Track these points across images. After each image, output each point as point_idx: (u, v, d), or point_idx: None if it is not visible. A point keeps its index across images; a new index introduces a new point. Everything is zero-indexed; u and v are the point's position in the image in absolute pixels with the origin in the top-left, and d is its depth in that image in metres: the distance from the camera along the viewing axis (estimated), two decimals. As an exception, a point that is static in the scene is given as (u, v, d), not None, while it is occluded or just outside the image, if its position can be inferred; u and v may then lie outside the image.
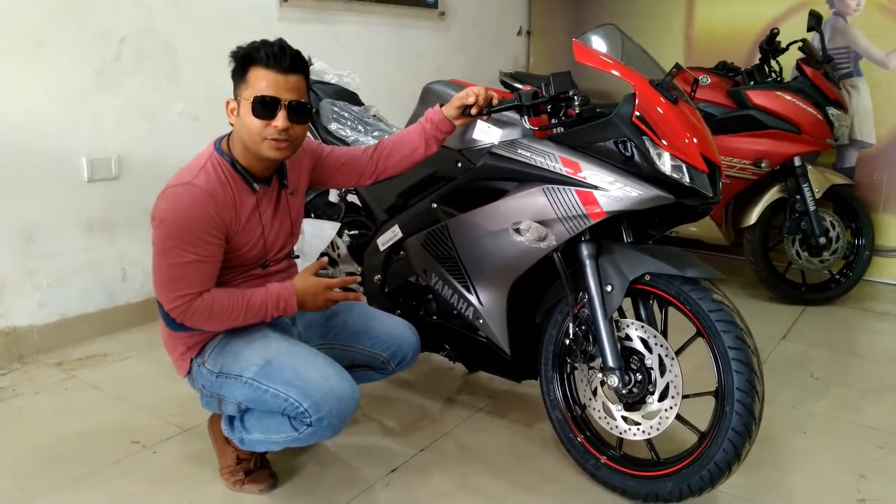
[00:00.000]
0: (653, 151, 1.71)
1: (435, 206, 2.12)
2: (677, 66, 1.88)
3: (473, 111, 1.86)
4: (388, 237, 2.28)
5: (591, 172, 1.75)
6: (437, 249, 2.09)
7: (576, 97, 1.83)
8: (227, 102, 1.65)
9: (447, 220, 2.05)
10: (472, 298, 2.04)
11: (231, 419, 1.78)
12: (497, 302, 2.01)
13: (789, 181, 3.36)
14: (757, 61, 3.51)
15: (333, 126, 2.46)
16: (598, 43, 1.92)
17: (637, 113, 1.72)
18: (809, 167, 3.35)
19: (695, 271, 1.72)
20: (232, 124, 1.66)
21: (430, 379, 2.57)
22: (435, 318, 2.20)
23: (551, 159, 1.80)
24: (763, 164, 3.31)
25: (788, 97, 3.26)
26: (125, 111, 2.83)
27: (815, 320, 3.29)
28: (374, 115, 2.63)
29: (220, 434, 1.87)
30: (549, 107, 1.86)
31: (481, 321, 2.05)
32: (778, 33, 3.39)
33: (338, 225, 2.46)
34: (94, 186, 2.80)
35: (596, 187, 1.74)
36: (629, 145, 1.72)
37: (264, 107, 1.57)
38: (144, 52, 2.87)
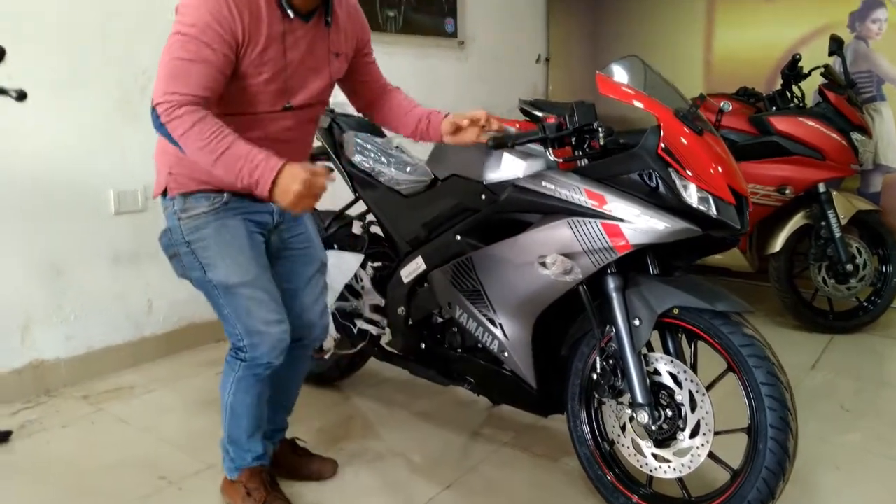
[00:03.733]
0: (679, 183, 1.70)
1: (459, 238, 2.12)
2: (701, 96, 1.88)
3: (468, 137, 1.87)
4: (412, 269, 2.28)
5: (616, 205, 1.75)
6: (461, 282, 2.09)
7: (600, 129, 1.83)
8: None
9: (472, 252, 2.05)
10: (497, 331, 2.03)
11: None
12: (522, 335, 1.99)
13: (814, 207, 3.32)
14: (778, 87, 3.49)
15: (357, 158, 2.48)
16: (621, 74, 1.93)
17: (662, 145, 1.72)
18: (834, 193, 3.31)
19: (725, 305, 1.70)
20: None
21: (454, 411, 2.55)
22: (459, 351, 2.19)
23: (576, 191, 1.80)
24: (787, 191, 3.27)
25: (811, 123, 3.23)
26: (151, 143, 2.84)
27: (843, 349, 3.23)
28: (397, 147, 2.64)
29: (227, 484, 1.94)
30: (574, 139, 1.87)
31: (506, 354, 2.03)
32: (800, 59, 3.38)
33: (361, 257, 2.46)
34: (120, 219, 2.83)
35: (622, 220, 1.73)
36: (655, 177, 1.72)
37: None
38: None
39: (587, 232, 1.77)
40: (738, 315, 1.71)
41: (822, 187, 3.27)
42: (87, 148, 2.70)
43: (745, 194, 1.77)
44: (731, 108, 3.39)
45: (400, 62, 3.86)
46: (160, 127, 1.53)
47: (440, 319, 2.23)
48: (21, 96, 1.19)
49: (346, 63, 1.83)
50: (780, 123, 3.26)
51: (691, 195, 1.70)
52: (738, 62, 4.11)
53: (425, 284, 2.26)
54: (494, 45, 4.55)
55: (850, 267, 3.30)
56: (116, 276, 2.86)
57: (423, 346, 2.28)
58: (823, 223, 3.29)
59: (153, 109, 1.52)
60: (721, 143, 1.83)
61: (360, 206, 2.54)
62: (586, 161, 1.84)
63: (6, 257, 2.55)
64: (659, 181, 1.71)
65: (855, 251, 3.34)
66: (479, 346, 2.10)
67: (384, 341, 2.48)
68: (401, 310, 2.32)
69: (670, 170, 1.70)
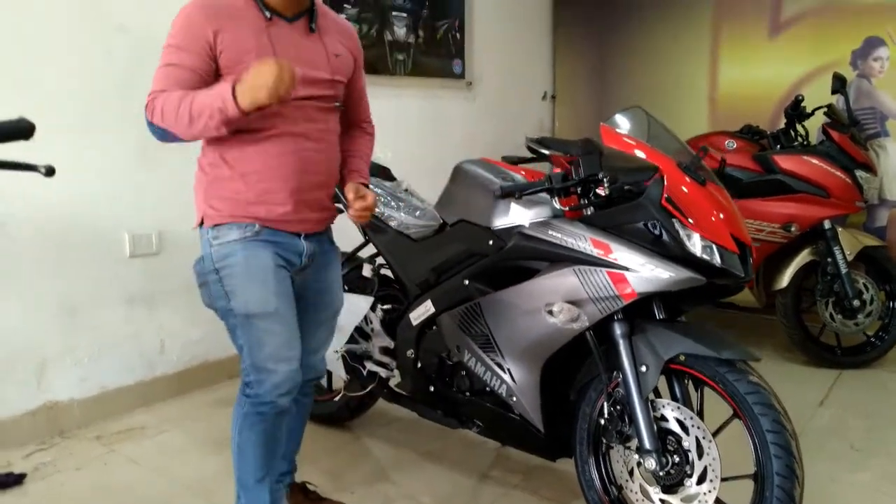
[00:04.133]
0: (682, 233, 1.74)
1: (467, 282, 2.15)
2: (704, 149, 1.92)
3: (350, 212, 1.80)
4: (421, 312, 2.31)
5: (621, 254, 1.78)
6: (469, 326, 2.12)
7: (605, 179, 1.87)
8: None
9: (480, 297, 2.08)
10: (506, 376, 2.06)
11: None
12: (530, 379, 2.02)
13: (820, 244, 3.34)
14: (782, 125, 3.54)
15: (366, 202, 2.52)
16: (625, 125, 1.98)
17: (666, 195, 1.76)
18: (840, 229, 3.33)
19: (730, 352, 1.72)
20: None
21: (462, 452, 2.56)
22: (468, 394, 2.22)
23: (582, 240, 1.83)
24: (792, 228, 3.30)
25: (815, 161, 3.27)
26: (165, 187, 2.93)
27: (852, 385, 3.23)
28: (406, 190, 2.69)
29: None
30: (579, 188, 1.91)
31: (514, 398, 2.05)
32: (802, 99, 3.43)
33: (371, 299, 2.50)
34: (135, 262, 2.89)
35: (627, 269, 1.77)
36: (659, 227, 1.75)
37: None
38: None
39: (593, 280, 1.80)
40: (743, 363, 1.74)
41: (827, 224, 3.30)
42: (102, 192, 2.77)
43: (748, 243, 1.80)
44: (735, 146, 3.46)
45: (409, 104, 3.94)
46: (154, 130, 1.62)
47: (449, 362, 2.26)
48: (49, 172, 1.24)
49: (349, 68, 1.84)
50: (785, 162, 3.30)
51: (695, 245, 1.74)
52: (742, 99, 4.17)
53: (434, 327, 2.29)
54: (501, 84, 4.63)
55: (857, 302, 3.31)
56: (130, 317, 2.91)
57: (431, 388, 2.31)
58: (830, 259, 3.32)
59: (146, 121, 1.62)
60: (723, 192, 1.87)
61: (371, 249, 2.58)
62: (592, 209, 1.88)
63: (22, 299, 2.60)
64: (663, 231, 1.75)
65: (862, 286, 3.35)
66: (488, 389, 2.13)
67: (393, 383, 2.50)
68: (410, 352, 2.35)
69: (674, 220, 1.74)
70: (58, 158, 2.58)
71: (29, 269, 2.61)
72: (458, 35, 4.15)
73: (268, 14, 1.66)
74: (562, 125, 5.03)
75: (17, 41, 2.53)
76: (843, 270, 3.28)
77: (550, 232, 1.89)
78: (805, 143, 3.48)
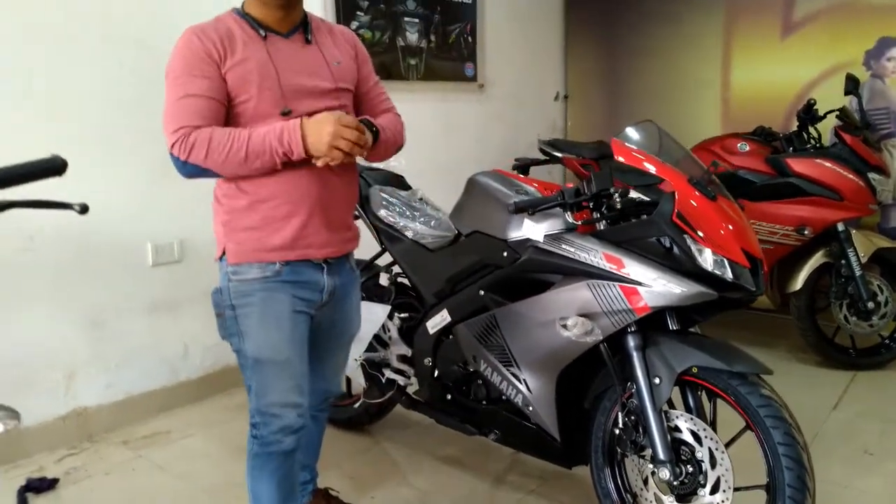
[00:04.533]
0: (694, 248, 1.77)
1: (482, 293, 2.20)
2: (714, 164, 1.95)
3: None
4: (438, 321, 2.36)
5: (634, 269, 1.82)
6: (485, 338, 2.16)
7: (616, 194, 1.90)
8: None
9: (495, 308, 2.13)
10: (521, 386, 2.10)
11: None
12: (546, 389, 2.06)
13: (834, 246, 3.35)
14: (795, 128, 3.54)
15: (383, 213, 2.57)
16: (637, 139, 2.01)
17: (677, 211, 1.79)
18: (853, 231, 3.34)
19: (742, 366, 1.76)
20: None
21: (480, 456, 2.61)
22: (484, 403, 2.26)
23: (595, 255, 1.87)
24: (806, 231, 3.32)
25: (828, 164, 3.28)
26: (185, 196, 2.99)
27: (867, 387, 3.25)
28: (421, 199, 2.73)
29: None
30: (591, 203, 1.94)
31: (531, 408, 2.10)
32: (814, 103, 3.43)
33: (388, 308, 2.55)
34: (157, 270, 2.96)
35: (640, 283, 1.80)
36: (670, 242, 1.79)
37: None
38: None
39: (606, 294, 1.84)
40: (755, 375, 1.77)
41: (840, 226, 3.31)
42: (126, 205, 2.84)
43: (760, 257, 1.83)
44: (747, 148, 3.47)
45: (422, 107, 3.98)
46: (184, 167, 1.58)
47: (465, 371, 2.31)
48: (83, 210, 1.29)
49: (353, 73, 1.81)
50: (797, 165, 3.32)
51: (706, 259, 1.77)
52: (754, 100, 4.17)
53: (450, 336, 2.34)
54: (513, 86, 4.65)
55: (871, 304, 3.32)
56: (154, 324, 2.98)
57: (448, 396, 2.36)
58: (843, 261, 3.33)
59: (172, 156, 1.58)
60: (734, 206, 1.90)
61: (388, 258, 2.63)
62: (605, 223, 1.92)
63: (52, 310, 2.68)
64: (675, 246, 1.78)
65: (876, 288, 3.36)
66: (504, 398, 2.17)
67: (411, 390, 2.56)
68: (427, 360, 2.40)
69: (685, 236, 1.77)
70: (83, 173, 2.67)
71: (56, 281, 2.68)
72: (469, 38, 4.18)
73: (262, 32, 1.65)
74: (574, 125, 5.05)
75: (44, 61, 2.60)
76: (858, 273, 3.29)
77: (564, 246, 1.93)
78: (818, 145, 3.48)
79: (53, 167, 1.23)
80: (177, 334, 3.07)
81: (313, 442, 2.11)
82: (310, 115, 1.61)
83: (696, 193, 1.84)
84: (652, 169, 1.91)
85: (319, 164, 1.59)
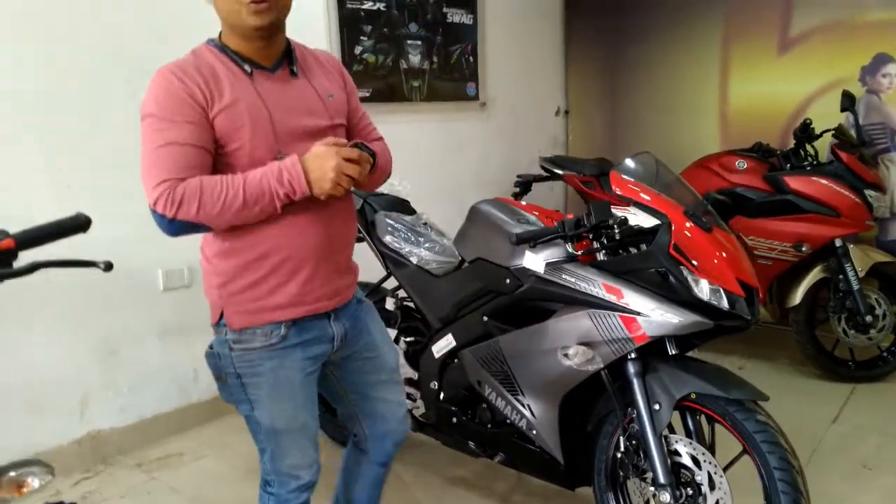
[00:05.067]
0: (690, 279, 1.83)
1: (486, 319, 2.26)
2: (708, 194, 2.00)
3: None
4: (443, 345, 2.42)
5: (633, 299, 1.88)
6: (489, 364, 2.22)
7: (615, 225, 1.96)
8: None
9: (499, 335, 2.19)
10: (525, 411, 2.16)
11: None
12: (549, 414, 2.12)
13: (831, 261, 3.40)
14: (792, 145, 3.60)
15: (388, 238, 2.63)
16: (634, 170, 2.07)
17: (674, 242, 1.85)
18: (851, 246, 3.39)
19: (739, 392, 1.82)
20: (216, 8, 1.47)
21: (485, 477, 2.67)
22: (489, 426, 2.32)
23: (595, 286, 1.93)
24: (804, 248, 3.37)
25: (825, 182, 3.34)
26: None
27: (866, 400, 3.29)
28: (425, 223, 2.79)
29: None
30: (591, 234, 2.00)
31: (534, 432, 2.16)
32: (811, 123, 3.49)
33: (395, 331, 2.61)
34: (168, 295, 3.03)
35: (639, 313, 1.87)
36: (668, 273, 1.85)
37: None
38: (213, 168, 3.13)
39: (606, 324, 1.90)
40: (752, 402, 1.83)
41: (838, 242, 3.36)
42: (137, 233, 2.88)
43: (755, 286, 1.89)
44: (745, 166, 3.53)
45: (425, 127, 4.06)
46: (170, 225, 1.42)
47: (470, 395, 2.36)
48: (108, 267, 1.35)
49: (345, 106, 1.67)
50: (795, 182, 3.37)
51: (703, 290, 1.83)
52: (752, 115, 4.23)
53: (456, 360, 2.40)
54: (515, 103, 4.72)
55: (869, 318, 3.37)
56: (165, 347, 3.05)
57: (454, 420, 2.42)
58: (841, 276, 3.38)
59: (154, 214, 1.42)
60: (729, 236, 1.96)
61: (394, 281, 2.69)
62: (604, 253, 1.97)
63: (67, 337, 2.75)
64: (672, 277, 1.84)
65: (874, 302, 3.41)
66: (508, 422, 2.23)
67: (417, 413, 2.61)
68: (433, 384, 2.46)
69: (682, 267, 1.83)
70: (95, 202, 2.75)
71: (70, 307, 2.75)
72: (471, 58, 4.25)
73: (248, 69, 1.49)
74: (575, 139, 5.11)
75: (54, 93, 2.67)
76: (855, 287, 3.35)
77: (565, 276, 1.99)
78: (815, 163, 3.54)
79: (78, 224, 1.29)
80: (187, 357, 3.13)
81: (374, 497, 1.96)
82: (301, 154, 1.47)
83: (692, 225, 1.90)
84: (652, 203, 1.97)
85: (322, 196, 1.46)
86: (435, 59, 4.01)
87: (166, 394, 3.08)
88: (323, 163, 1.41)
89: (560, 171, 4.08)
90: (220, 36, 1.53)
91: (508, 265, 2.19)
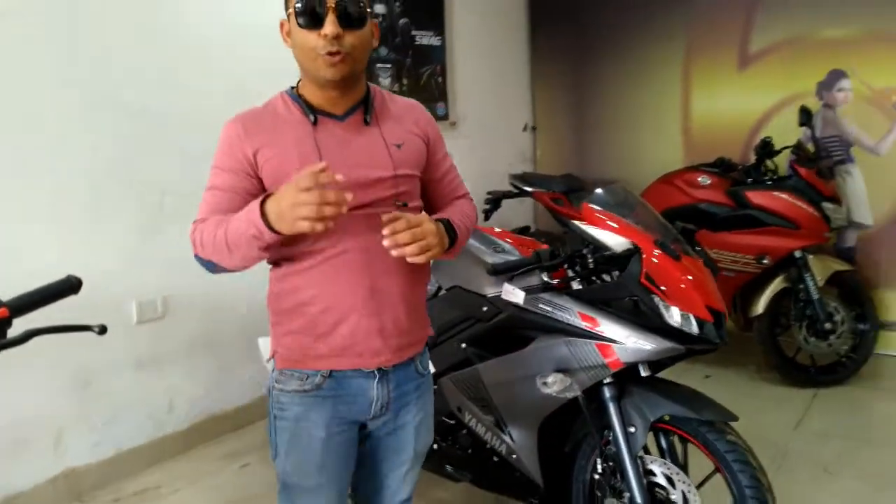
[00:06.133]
0: (662, 307, 1.90)
1: (464, 346, 2.30)
2: (677, 223, 2.08)
3: None
4: (422, 371, 2.45)
5: (608, 327, 1.94)
6: (469, 391, 2.26)
7: (588, 254, 2.02)
8: (281, 25, 1.47)
9: (478, 363, 2.23)
10: (505, 437, 2.21)
11: None
12: (529, 439, 2.17)
13: (792, 271, 3.53)
14: (753, 161, 3.72)
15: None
16: (605, 200, 2.13)
17: (645, 271, 1.92)
18: (811, 257, 3.52)
19: (710, 414, 1.89)
20: (295, 57, 1.46)
21: (465, 498, 2.70)
22: (470, 451, 2.36)
23: (571, 314, 1.99)
24: (766, 260, 3.49)
25: (785, 196, 3.46)
26: (168, 255, 3.06)
27: (827, 405, 3.41)
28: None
29: None
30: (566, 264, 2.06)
31: (514, 456, 2.21)
32: (770, 140, 3.62)
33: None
34: (142, 327, 3.01)
35: (614, 341, 1.93)
36: (640, 301, 1.91)
37: (309, 12, 1.36)
38: (184, 197, 3.12)
39: (583, 352, 1.96)
40: (722, 423, 1.90)
41: (798, 254, 3.49)
42: (111, 266, 2.88)
43: (722, 310, 1.96)
44: (709, 182, 3.64)
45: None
46: (197, 259, 1.47)
47: (451, 421, 2.40)
48: (102, 331, 1.36)
49: (420, 157, 1.57)
50: (756, 197, 3.49)
51: (673, 316, 1.90)
52: (714, 129, 4.35)
53: (435, 387, 2.43)
54: (484, 121, 4.78)
55: (829, 325, 3.51)
56: (139, 380, 3.02)
57: (434, 446, 2.44)
58: (802, 286, 3.51)
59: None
60: (698, 263, 2.03)
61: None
62: (579, 280, 2.03)
63: (39, 373, 2.71)
64: (643, 305, 1.91)
65: (833, 310, 3.55)
66: (489, 447, 2.28)
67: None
68: (413, 410, 2.49)
69: (653, 296, 1.90)
70: (69, 235, 2.73)
71: (44, 345, 2.68)
72: (440, 79, 4.30)
73: (312, 118, 1.45)
74: (543, 154, 5.19)
75: (32, 125, 2.66)
76: (815, 296, 3.48)
77: (541, 305, 2.05)
78: (775, 177, 3.66)
79: (69, 286, 1.30)
80: (162, 389, 3.11)
81: None
82: (356, 207, 1.38)
83: (662, 253, 1.96)
84: (624, 234, 2.02)
85: (291, 233, 1.30)
86: (405, 80, 4.05)
87: (141, 426, 3.05)
88: (279, 202, 1.27)
89: (529, 189, 4.15)
90: (297, 85, 1.52)
91: (485, 293, 2.24)
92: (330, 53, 1.36)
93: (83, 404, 2.85)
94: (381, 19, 3.83)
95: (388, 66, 3.91)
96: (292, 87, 1.51)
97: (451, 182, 1.71)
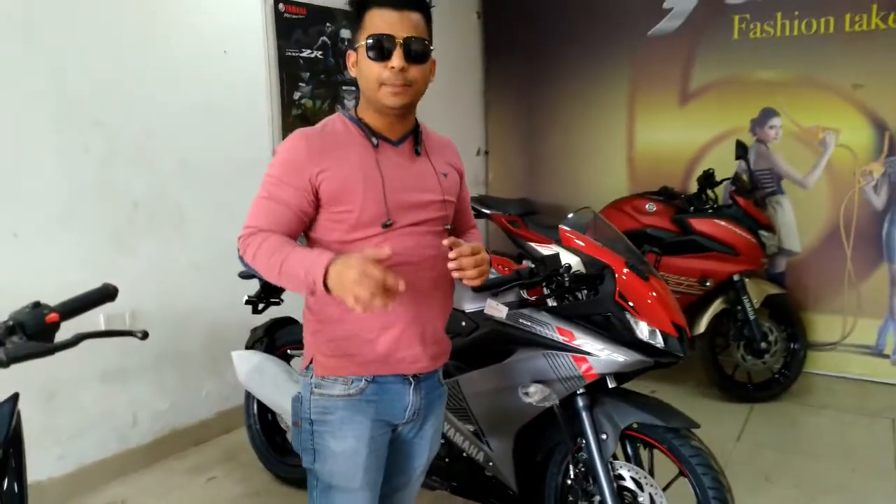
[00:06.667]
0: (632, 322, 2.07)
1: (443, 359, 2.41)
2: (644, 248, 2.27)
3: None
4: (398, 384, 2.55)
5: (583, 341, 2.10)
6: (448, 401, 2.37)
7: (565, 274, 2.18)
8: (349, 55, 1.59)
9: (458, 375, 2.35)
10: (483, 446, 2.33)
11: None
12: (505, 447, 2.30)
13: (731, 294, 3.81)
14: (695, 190, 3.99)
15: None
16: (578, 225, 2.30)
17: (619, 290, 2.09)
18: (747, 280, 3.80)
19: (675, 421, 2.07)
20: (355, 78, 1.60)
21: (436, 506, 2.81)
22: (447, 460, 2.47)
23: (549, 329, 2.14)
24: (707, 283, 3.76)
25: (724, 224, 3.74)
26: (139, 269, 3.07)
27: (763, 419, 3.68)
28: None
29: None
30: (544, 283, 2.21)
31: (491, 464, 2.33)
32: (712, 172, 3.92)
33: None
34: (109, 340, 2.98)
35: (589, 353, 2.09)
36: (613, 318, 2.08)
37: (379, 46, 1.50)
38: (155, 213, 3.14)
39: (559, 363, 2.11)
40: (686, 430, 2.08)
41: (736, 277, 3.77)
42: (79, 278, 2.82)
43: (684, 326, 2.16)
44: (655, 208, 3.89)
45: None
46: (240, 260, 1.55)
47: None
48: (144, 336, 1.42)
49: (456, 187, 1.74)
50: (699, 224, 3.76)
51: (642, 331, 2.07)
52: (656, 160, 4.64)
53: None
54: (440, 143, 4.92)
55: (763, 344, 3.79)
56: (104, 393, 3.00)
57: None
58: (739, 307, 3.79)
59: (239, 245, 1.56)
60: (663, 283, 2.22)
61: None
62: (553, 297, 2.18)
63: (3, 384, 2.65)
64: (616, 321, 2.08)
65: (767, 330, 3.84)
66: (465, 455, 2.39)
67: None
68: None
69: (625, 312, 2.07)
70: (41, 251, 2.71)
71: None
72: (401, 103, 4.42)
73: (374, 141, 1.58)
74: (495, 177, 5.38)
75: (0, 139, 2.64)
76: (752, 317, 3.75)
77: (521, 320, 2.19)
78: (715, 206, 3.95)
79: (107, 294, 1.37)
80: (126, 402, 3.09)
81: None
82: (408, 225, 1.57)
83: (632, 273, 2.14)
84: (597, 256, 2.19)
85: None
86: (367, 103, 4.16)
87: (105, 440, 3.02)
88: (344, 272, 1.35)
89: (487, 211, 4.33)
90: (356, 110, 1.64)
91: (464, 309, 2.37)
92: (393, 84, 1.51)
93: (48, 417, 2.81)
94: (346, 44, 3.94)
95: (353, 88, 4.02)
96: (348, 111, 1.65)
97: (467, 212, 1.89)
